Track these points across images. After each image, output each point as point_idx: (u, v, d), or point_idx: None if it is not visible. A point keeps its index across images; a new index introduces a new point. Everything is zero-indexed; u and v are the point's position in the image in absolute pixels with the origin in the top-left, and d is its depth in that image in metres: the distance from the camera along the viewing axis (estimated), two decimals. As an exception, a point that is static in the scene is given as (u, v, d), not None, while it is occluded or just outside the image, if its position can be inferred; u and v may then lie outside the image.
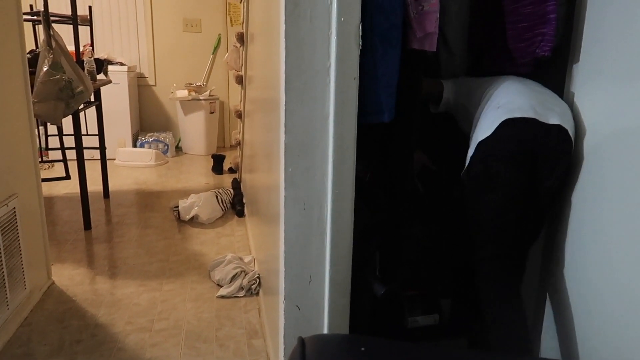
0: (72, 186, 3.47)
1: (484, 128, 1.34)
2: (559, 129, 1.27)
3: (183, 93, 4.88)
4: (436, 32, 1.34)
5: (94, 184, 3.49)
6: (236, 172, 4.04)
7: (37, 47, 3.34)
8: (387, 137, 1.64)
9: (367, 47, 1.22)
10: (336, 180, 1.24)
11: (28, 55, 2.18)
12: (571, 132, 1.29)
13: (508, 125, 1.29)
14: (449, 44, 1.65)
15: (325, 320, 1.32)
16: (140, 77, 5.14)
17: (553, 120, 1.28)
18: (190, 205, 3.11)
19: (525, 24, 1.41)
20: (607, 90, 1.22)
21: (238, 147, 3.84)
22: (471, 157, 1.37)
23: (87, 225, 2.94)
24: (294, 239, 1.27)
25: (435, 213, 1.72)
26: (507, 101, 1.35)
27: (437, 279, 1.74)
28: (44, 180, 2.32)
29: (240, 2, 3.10)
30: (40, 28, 2.98)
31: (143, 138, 4.86)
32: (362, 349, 0.58)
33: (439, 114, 1.68)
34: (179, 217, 3.11)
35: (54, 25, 2.55)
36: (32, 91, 2.41)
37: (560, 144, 1.28)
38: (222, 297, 2.18)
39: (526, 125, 1.28)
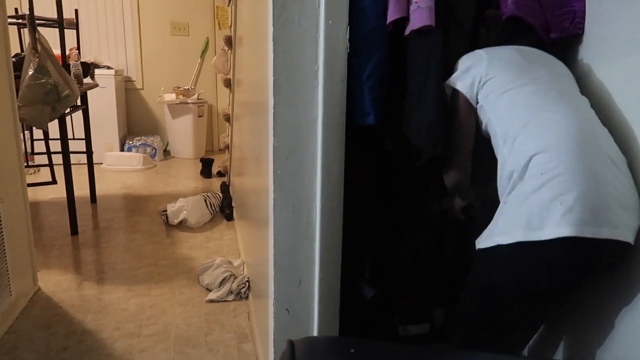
0: (58, 191, 3.43)
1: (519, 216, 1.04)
2: (621, 245, 0.99)
3: (171, 97, 4.86)
4: (421, 7, 1.24)
5: (81, 189, 3.45)
6: (225, 176, 4.02)
7: (22, 50, 3.30)
8: (377, 138, 1.65)
9: (353, 50, 1.22)
10: (325, 183, 1.24)
11: (13, 59, 2.16)
12: (633, 236, 1.01)
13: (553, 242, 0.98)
14: (459, 19, 1.44)
15: (315, 323, 1.32)
16: (128, 80, 5.11)
17: (615, 232, 0.98)
18: (178, 209, 3.09)
19: (555, 1, 1.32)
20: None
21: (227, 150, 3.83)
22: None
23: (74, 230, 2.91)
24: (283, 242, 1.27)
25: (431, 221, 1.70)
26: (560, 189, 0.99)
27: (432, 288, 1.73)
28: (29, 185, 2.30)
29: (228, 6, 3.10)
30: (25, 31, 2.94)
31: (130, 142, 4.82)
32: (352, 350, 0.58)
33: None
34: (167, 221, 3.09)
35: (39, 28, 2.53)
36: (17, 95, 2.38)
37: (619, 257, 1.05)
38: (211, 301, 2.17)
39: (577, 249, 0.99)
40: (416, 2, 1.25)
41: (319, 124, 1.21)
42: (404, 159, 1.60)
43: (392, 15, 1.25)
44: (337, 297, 1.33)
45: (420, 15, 1.24)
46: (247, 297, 2.20)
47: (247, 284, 2.22)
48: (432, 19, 1.24)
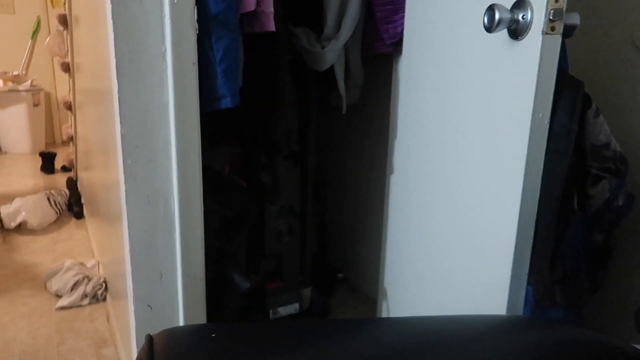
0: None
1: None
2: None
3: (-3, 84, 4.26)
4: (265, 12, 1.31)
5: None
6: (71, 171, 3.66)
7: None
8: (236, 125, 1.63)
9: (204, 31, 1.19)
10: (181, 171, 1.19)
11: None
12: None
13: None
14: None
15: (180, 316, 1.28)
16: (-62, 65, 4.35)
17: None
18: (15, 211, 2.75)
19: (391, 6, 1.44)
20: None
21: (71, 142, 3.48)
22: None
23: None
24: (139, 236, 1.20)
25: (296, 206, 1.75)
26: None
27: (299, 271, 1.80)
28: None
29: (61, -19, 2.79)
30: None
31: (-53, 137, 4.14)
32: (213, 335, 0.58)
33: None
34: (3, 225, 2.73)
35: None
36: None
37: None
38: (63, 308, 1.98)
39: None
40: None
41: (171, 109, 1.16)
42: (265, 149, 1.62)
43: (248, 7, 1.25)
44: (203, 288, 1.30)
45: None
46: (104, 299, 2.05)
47: (104, 284, 2.06)
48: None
